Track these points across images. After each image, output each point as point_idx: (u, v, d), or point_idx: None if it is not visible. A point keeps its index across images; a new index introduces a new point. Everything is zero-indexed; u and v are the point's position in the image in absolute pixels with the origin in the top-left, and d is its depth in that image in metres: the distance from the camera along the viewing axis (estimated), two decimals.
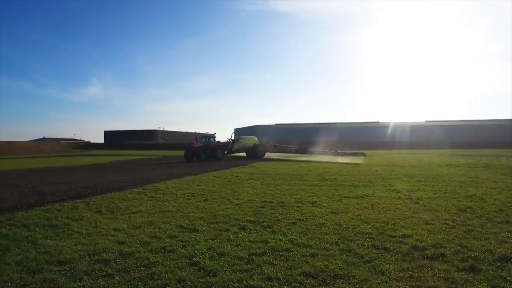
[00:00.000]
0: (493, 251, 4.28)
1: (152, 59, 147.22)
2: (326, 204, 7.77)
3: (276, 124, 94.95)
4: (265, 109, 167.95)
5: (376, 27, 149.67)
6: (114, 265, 3.91)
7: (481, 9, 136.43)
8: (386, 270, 3.71)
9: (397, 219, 6.17)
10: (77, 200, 8.22)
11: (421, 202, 7.86)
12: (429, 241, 4.72)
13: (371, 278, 3.52)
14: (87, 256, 4.19)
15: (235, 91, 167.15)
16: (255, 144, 32.82)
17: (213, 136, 30.67)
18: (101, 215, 6.63)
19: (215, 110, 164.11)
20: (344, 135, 74.31)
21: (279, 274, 3.63)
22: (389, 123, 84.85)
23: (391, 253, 4.31)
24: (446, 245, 4.54)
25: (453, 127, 79.59)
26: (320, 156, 29.64)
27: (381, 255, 4.21)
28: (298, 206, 7.55)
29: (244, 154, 32.63)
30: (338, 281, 3.46)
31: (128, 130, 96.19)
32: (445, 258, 4.08)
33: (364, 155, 29.60)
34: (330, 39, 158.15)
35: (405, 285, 3.37)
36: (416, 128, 79.37)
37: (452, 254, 4.22)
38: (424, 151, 45.02)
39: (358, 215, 6.53)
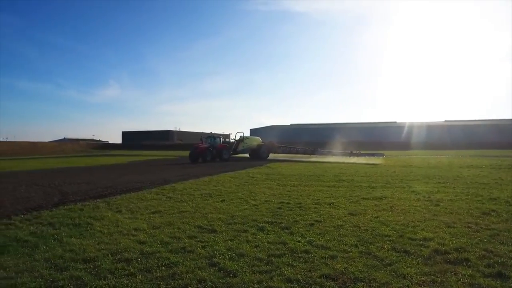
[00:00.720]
0: None
1: (167, 60, 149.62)
2: (343, 206, 7.70)
3: (291, 125, 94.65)
4: (279, 109, 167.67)
5: (393, 26, 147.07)
6: (136, 264, 4.00)
7: (501, 7, 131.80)
8: (408, 274, 3.64)
9: (417, 221, 6.06)
10: (98, 200, 8.44)
11: (441, 204, 7.68)
12: (451, 245, 4.60)
13: (392, 281, 3.47)
14: (110, 255, 4.31)
15: (249, 91, 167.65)
16: (259, 144, 32.05)
17: (219, 136, 30.08)
18: (121, 215, 6.78)
19: (229, 110, 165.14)
20: (360, 135, 73.42)
21: (298, 276, 3.63)
22: (407, 123, 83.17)
23: (412, 256, 4.23)
24: (470, 250, 4.41)
25: (474, 127, 77.22)
26: (333, 157, 28.91)
27: (402, 259, 4.14)
28: (315, 207, 7.51)
29: (247, 155, 31.82)
30: (358, 284, 3.43)
31: (145, 131, 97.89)
32: (469, 263, 3.96)
33: (383, 155, 28.75)
34: (345, 39, 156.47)
35: None
36: (435, 128, 77.50)
37: (477, 259, 4.10)
38: (443, 152, 43.92)
39: (377, 217, 6.44)
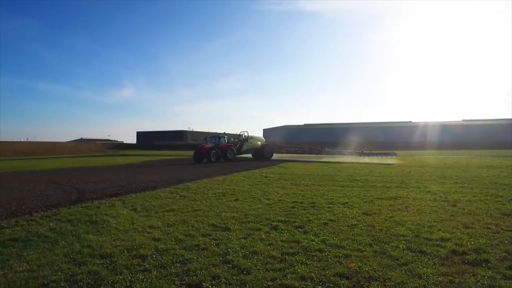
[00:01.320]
0: None
1: (181, 61, 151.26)
2: (357, 205, 7.62)
3: (304, 124, 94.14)
4: (292, 109, 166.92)
5: (405, 23, 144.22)
6: (151, 260, 4.07)
7: None
8: (424, 274, 3.58)
9: (433, 221, 5.94)
10: (113, 198, 8.61)
11: (459, 205, 7.49)
12: (469, 246, 4.49)
13: (408, 281, 3.42)
14: (125, 251, 4.39)
15: (262, 91, 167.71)
16: (262, 144, 31.13)
17: (223, 135, 28.84)
18: (136, 213, 6.90)
19: (242, 110, 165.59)
20: (375, 135, 72.47)
21: (312, 274, 3.61)
22: (422, 122, 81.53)
23: (428, 256, 4.15)
24: (490, 251, 4.29)
25: (494, 126, 75.02)
26: (343, 157, 28.23)
27: (418, 258, 4.07)
28: (329, 207, 7.46)
29: (250, 155, 30.82)
30: (373, 283, 3.39)
31: (159, 131, 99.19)
32: (489, 265, 3.85)
33: (395, 155, 28.05)
34: (358, 37, 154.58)
35: None
36: (452, 128, 75.72)
37: (497, 260, 3.98)
38: (461, 152, 42.84)
39: (392, 217, 6.35)
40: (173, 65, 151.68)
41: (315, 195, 9.14)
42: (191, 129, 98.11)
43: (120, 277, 3.57)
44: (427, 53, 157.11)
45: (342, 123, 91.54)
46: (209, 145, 27.09)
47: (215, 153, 26.26)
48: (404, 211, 6.91)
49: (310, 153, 32.03)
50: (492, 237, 4.92)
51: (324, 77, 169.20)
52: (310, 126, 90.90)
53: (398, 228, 5.49)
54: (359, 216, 6.51)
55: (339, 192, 9.64)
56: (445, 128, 75.96)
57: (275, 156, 30.81)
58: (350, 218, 6.35)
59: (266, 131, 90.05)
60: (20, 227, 5.64)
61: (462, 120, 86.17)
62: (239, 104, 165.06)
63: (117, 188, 10.59)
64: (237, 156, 29.60)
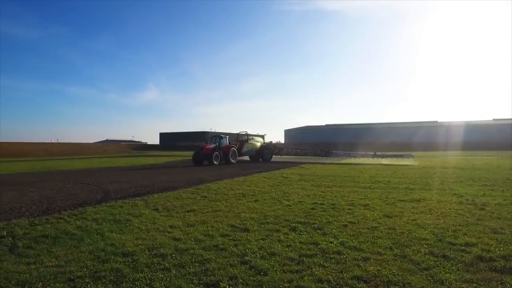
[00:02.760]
0: None
1: (204, 63, 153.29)
2: (379, 207, 7.47)
3: (326, 125, 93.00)
4: (315, 109, 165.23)
5: (433, 20, 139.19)
6: (171, 259, 4.17)
7: None
8: (446, 280, 3.46)
9: (459, 225, 5.72)
10: (136, 198, 8.86)
11: (487, 208, 7.19)
12: (498, 252, 4.29)
13: (429, 286, 3.32)
14: (146, 250, 4.52)
15: (284, 92, 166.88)
16: (262, 146, 29.23)
17: (225, 136, 26.55)
18: (158, 213, 7.07)
19: (264, 111, 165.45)
20: (398, 135, 70.58)
21: (329, 276, 3.58)
22: (450, 122, 78.54)
23: (451, 261, 4.01)
24: None
25: None
26: (353, 159, 27.22)
27: (440, 263, 3.94)
28: (349, 209, 7.36)
29: (247, 157, 28.58)
30: (392, 287, 3.33)
31: (181, 132, 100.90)
32: None
33: (412, 156, 26.83)
34: (383, 36, 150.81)
35: None
36: (482, 127, 72.44)
37: None
38: (492, 153, 40.94)
39: (414, 220, 6.18)
40: (196, 67, 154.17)
41: (335, 197, 9.04)
42: (213, 130, 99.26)
43: (141, 275, 3.68)
44: (453, 50, 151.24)
45: (365, 123, 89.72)
46: (211, 146, 24.94)
47: (217, 154, 24.18)
48: (428, 214, 6.71)
49: (315, 155, 30.60)
50: None
51: (347, 76, 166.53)
52: (332, 127, 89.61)
53: (420, 232, 5.34)
54: (380, 218, 6.38)
55: (360, 194, 9.49)
56: (475, 127, 72.87)
57: (274, 158, 29.20)
58: (371, 220, 6.24)
59: (287, 132, 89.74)
60: (50, 225, 5.93)
61: (493, 119, 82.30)
62: (261, 104, 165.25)
63: (140, 188, 10.89)
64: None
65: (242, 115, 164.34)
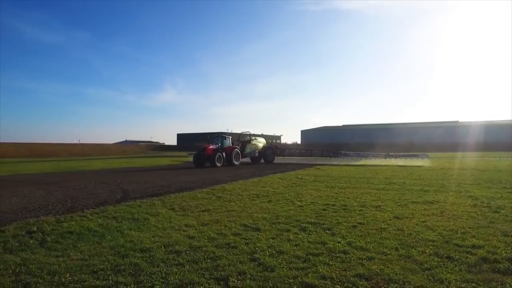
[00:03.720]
0: None
1: (219, 64, 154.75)
2: (390, 209, 7.54)
3: (343, 125, 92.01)
4: (332, 109, 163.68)
5: (455, 16, 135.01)
6: (185, 256, 4.45)
7: None
8: (446, 279, 3.57)
9: (468, 228, 5.75)
10: (154, 198, 9.24)
11: (502, 211, 7.13)
12: (504, 254, 4.33)
13: (428, 285, 3.45)
14: (163, 247, 4.83)
15: (300, 92, 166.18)
16: (264, 146, 27.85)
17: (228, 136, 25.12)
18: (174, 212, 7.40)
19: (280, 112, 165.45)
20: (417, 136, 68.98)
21: (333, 274, 3.76)
22: (470, 122, 76.08)
23: (455, 262, 4.10)
24: None
25: None
26: (365, 159, 26.33)
27: (443, 264, 4.04)
28: (360, 210, 7.46)
29: (248, 159, 27.03)
30: (391, 285, 3.47)
31: (198, 133, 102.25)
32: None
33: (427, 156, 26.01)
34: (401, 34, 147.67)
35: None
36: (505, 127, 69.78)
37: None
38: None
39: (424, 222, 6.24)
40: (212, 68, 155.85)
41: (348, 198, 9.14)
42: (229, 131, 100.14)
43: (157, 269, 3.98)
44: (473, 49, 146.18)
45: (383, 124, 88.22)
46: (214, 146, 23.48)
47: (220, 156, 22.80)
48: (439, 216, 6.74)
49: (322, 155, 29.49)
50: None
51: (364, 75, 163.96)
52: (349, 127, 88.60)
53: (428, 233, 5.42)
54: (390, 220, 6.47)
55: (373, 195, 9.55)
56: (497, 127, 70.35)
57: (279, 159, 28.42)
58: (380, 221, 6.34)
59: (303, 133, 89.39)
60: (74, 222, 6.35)
61: None
62: (277, 105, 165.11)
63: (157, 188, 11.31)
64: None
65: (258, 115, 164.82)
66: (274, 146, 29.65)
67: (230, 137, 25.39)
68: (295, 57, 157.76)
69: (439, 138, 68.26)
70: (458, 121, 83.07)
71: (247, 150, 26.18)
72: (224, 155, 23.13)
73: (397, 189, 10.77)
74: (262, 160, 27.28)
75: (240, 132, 28.70)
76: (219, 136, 25.01)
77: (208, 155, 22.46)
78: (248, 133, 27.82)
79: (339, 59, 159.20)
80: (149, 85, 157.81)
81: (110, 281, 3.64)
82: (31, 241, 5.14)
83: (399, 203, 8.25)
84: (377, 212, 7.27)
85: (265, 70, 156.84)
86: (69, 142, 62.28)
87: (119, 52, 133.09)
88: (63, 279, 3.70)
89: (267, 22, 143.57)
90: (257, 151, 26.94)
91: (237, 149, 24.51)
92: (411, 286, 3.43)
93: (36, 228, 5.84)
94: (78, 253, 4.59)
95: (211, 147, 23.15)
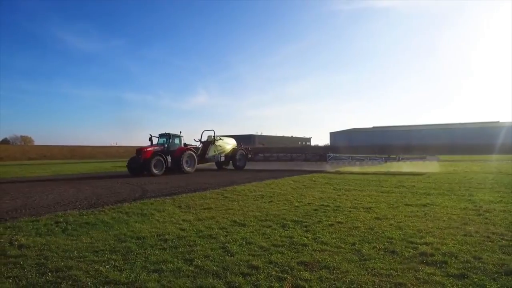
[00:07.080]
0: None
1: (253, 67, 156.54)
2: (379, 210, 7.98)
3: (373, 127, 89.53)
4: (363, 111, 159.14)
5: (491, 15, 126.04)
6: (170, 243, 5.38)
7: None
8: (373, 268, 4.14)
9: (436, 228, 6.15)
10: (167, 197, 10.37)
11: (486, 214, 7.33)
12: (444, 250, 4.77)
13: (353, 270, 4.05)
14: (155, 236, 5.81)
15: (332, 94, 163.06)
16: (234, 149, 24.35)
17: (179, 135, 20.77)
18: (179, 209, 8.42)
19: (312, 113, 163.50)
20: (453, 138, 65.57)
21: (280, 260, 4.46)
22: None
23: (394, 256, 4.62)
24: (458, 256, 4.55)
25: None
26: (360, 164, 22.95)
27: (382, 257, 4.57)
28: (349, 211, 7.96)
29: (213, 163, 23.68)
30: (323, 270, 4.12)
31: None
32: (443, 265, 4.21)
33: (438, 159, 23.69)
34: (438, 31, 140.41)
35: (381, 280, 3.81)
36: None
37: (457, 263, 4.30)
38: None
39: (400, 222, 6.68)
40: (245, 72, 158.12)
41: (347, 200, 9.61)
42: (259, 133, 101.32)
43: (144, 251, 4.97)
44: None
45: (415, 125, 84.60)
46: (153, 148, 19.04)
47: (160, 160, 18.53)
48: (420, 218, 7.10)
49: (306, 160, 25.16)
50: (484, 246, 4.99)
51: (399, 75, 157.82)
52: (380, 129, 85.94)
53: (393, 232, 5.88)
54: (370, 220, 6.95)
55: (374, 198, 9.93)
56: None
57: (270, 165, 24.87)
58: (359, 221, 6.85)
59: (333, 135, 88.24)
60: (93, 215, 7.58)
61: None
62: (309, 107, 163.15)
63: (174, 189, 12.50)
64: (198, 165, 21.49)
65: (290, 117, 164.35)
66: (245, 148, 25.60)
67: (182, 137, 21.04)
68: (329, 58, 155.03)
69: (479, 140, 64.23)
70: (499, 121, 77.67)
71: (210, 152, 22.50)
72: (168, 160, 19.10)
73: (402, 192, 11.04)
74: (231, 166, 23.94)
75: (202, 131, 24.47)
76: (165, 136, 20.28)
77: (144, 159, 18.20)
78: (213, 132, 23.80)
79: (373, 59, 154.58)
80: (183, 88, 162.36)
81: (105, 257, 4.68)
82: (56, 229, 6.38)
83: (392, 205, 8.64)
84: (364, 213, 7.75)
85: (298, 72, 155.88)
86: (106, 145, 66.71)
87: (155, 58, 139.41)
88: (71, 255, 4.80)
89: (300, 23, 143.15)
90: (223, 155, 23.44)
91: (190, 152, 20.44)
92: (339, 271, 4.07)
93: (62, 219, 7.11)
94: (88, 238, 5.71)
95: (150, 149, 18.85)
